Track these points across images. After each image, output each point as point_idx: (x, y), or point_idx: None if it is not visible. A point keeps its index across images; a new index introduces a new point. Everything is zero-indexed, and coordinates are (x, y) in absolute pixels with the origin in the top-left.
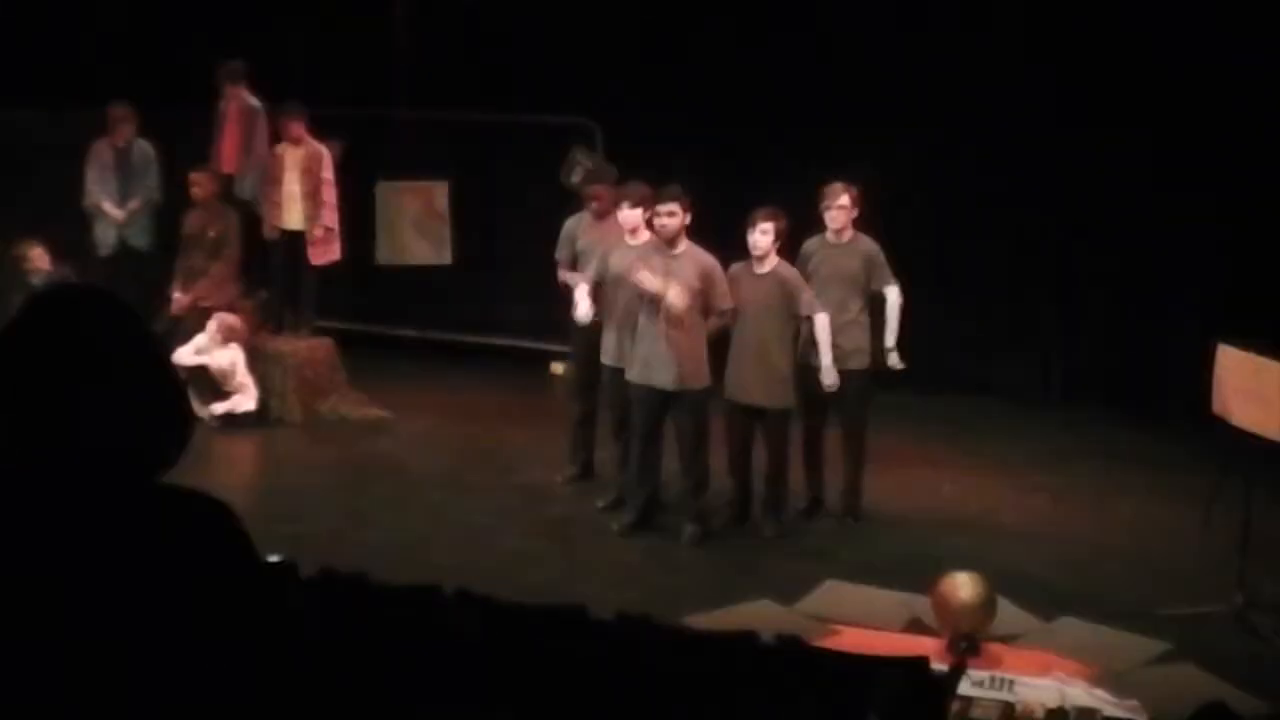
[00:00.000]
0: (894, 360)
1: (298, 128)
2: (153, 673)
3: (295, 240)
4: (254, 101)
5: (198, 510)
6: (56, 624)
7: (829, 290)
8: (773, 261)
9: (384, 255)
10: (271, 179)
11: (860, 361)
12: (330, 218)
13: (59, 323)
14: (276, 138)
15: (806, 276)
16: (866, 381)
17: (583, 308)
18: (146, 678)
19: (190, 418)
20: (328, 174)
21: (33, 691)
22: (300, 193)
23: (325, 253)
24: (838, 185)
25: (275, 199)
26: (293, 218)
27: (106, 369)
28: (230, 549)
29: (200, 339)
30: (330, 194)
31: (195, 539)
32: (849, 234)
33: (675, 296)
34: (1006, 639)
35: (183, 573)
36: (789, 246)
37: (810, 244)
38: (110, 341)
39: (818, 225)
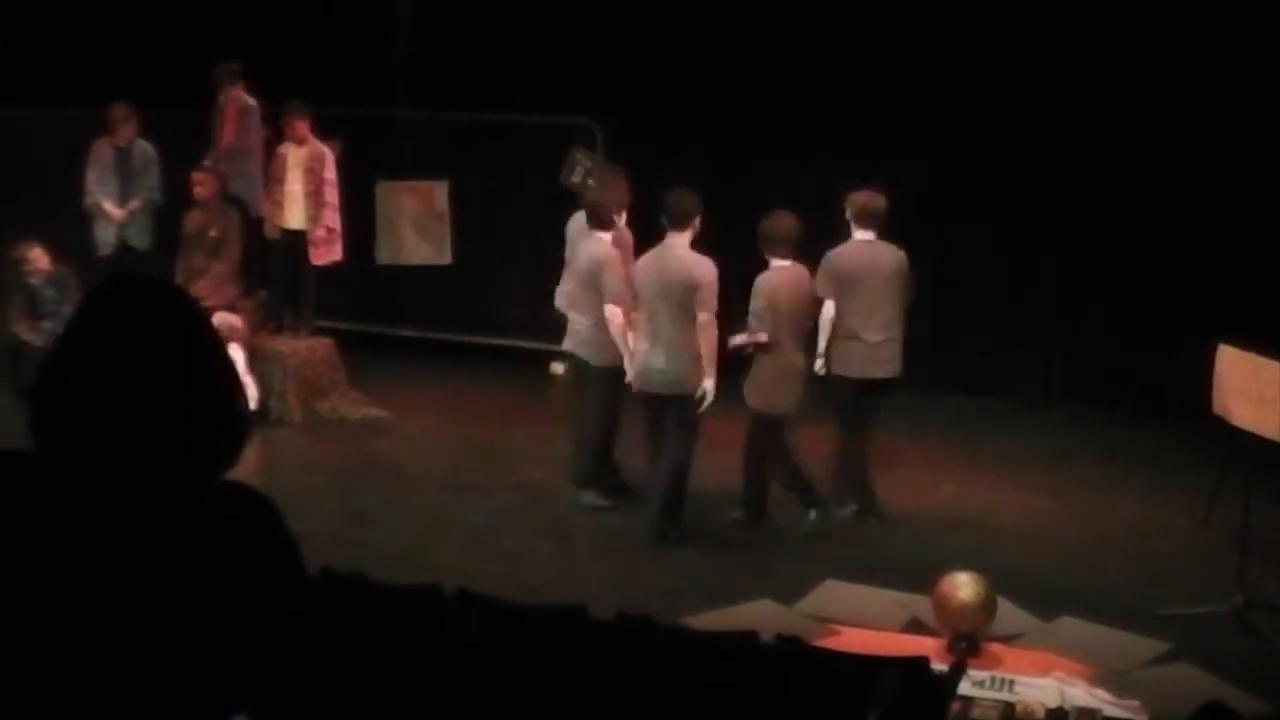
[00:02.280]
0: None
1: (302, 127)
2: (201, 668)
3: (296, 240)
4: (250, 101)
5: (254, 513)
6: (110, 620)
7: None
8: None
9: (384, 255)
10: (274, 178)
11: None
12: (332, 218)
13: (125, 316)
14: (278, 137)
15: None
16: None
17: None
18: (195, 673)
19: (248, 417)
20: (330, 174)
21: (85, 687)
22: (302, 192)
23: (327, 253)
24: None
25: (277, 198)
26: (294, 217)
27: (172, 364)
28: (283, 552)
29: None
30: (333, 194)
31: (251, 539)
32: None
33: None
34: (1006, 639)
35: (237, 572)
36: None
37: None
38: (176, 337)
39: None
